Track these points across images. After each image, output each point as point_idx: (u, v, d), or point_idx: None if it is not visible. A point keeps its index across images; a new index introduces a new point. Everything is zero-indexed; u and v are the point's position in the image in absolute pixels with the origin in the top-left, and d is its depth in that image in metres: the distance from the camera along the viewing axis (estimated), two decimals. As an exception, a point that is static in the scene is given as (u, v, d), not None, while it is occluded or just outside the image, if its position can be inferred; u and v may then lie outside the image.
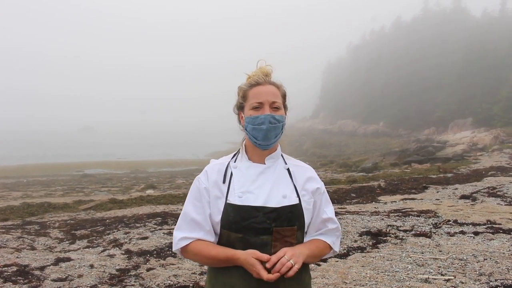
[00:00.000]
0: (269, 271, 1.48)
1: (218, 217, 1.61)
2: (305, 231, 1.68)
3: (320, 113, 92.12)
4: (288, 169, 1.69)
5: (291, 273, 1.47)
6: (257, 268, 1.47)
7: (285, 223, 1.57)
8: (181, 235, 1.64)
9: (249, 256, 1.50)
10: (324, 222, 1.71)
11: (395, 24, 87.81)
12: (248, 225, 1.55)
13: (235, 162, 1.70)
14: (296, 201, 1.61)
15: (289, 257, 1.48)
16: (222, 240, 1.62)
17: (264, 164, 1.68)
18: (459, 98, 50.46)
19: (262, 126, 1.59)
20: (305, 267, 1.66)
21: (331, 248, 1.73)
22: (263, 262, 1.50)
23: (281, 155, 1.74)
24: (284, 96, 1.70)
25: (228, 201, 1.60)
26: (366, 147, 47.94)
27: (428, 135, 48.22)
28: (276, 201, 1.59)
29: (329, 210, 1.73)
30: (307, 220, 1.65)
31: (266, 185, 1.62)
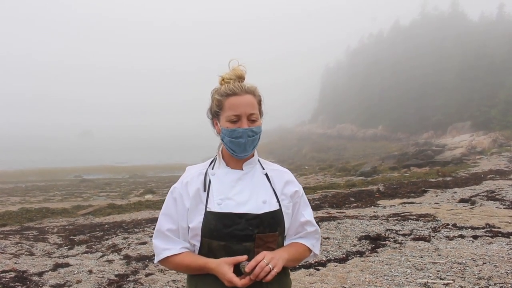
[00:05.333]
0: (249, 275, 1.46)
1: (198, 226, 1.56)
2: (284, 235, 1.67)
3: (319, 117, 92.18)
4: (266, 174, 1.67)
5: (269, 277, 1.45)
6: (229, 276, 1.43)
7: (267, 229, 1.55)
8: (159, 246, 1.62)
9: (220, 264, 1.46)
10: (303, 225, 1.70)
11: (393, 28, 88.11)
12: (231, 233, 1.52)
13: (212, 169, 1.66)
14: (276, 207, 1.60)
15: (268, 261, 1.46)
16: (203, 249, 1.57)
17: (242, 170, 1.65)
18: (457, 101, 50.60)
19: (240, 139, 1.57)
20: (285, 271, 1.66)
21: (310, 251, 1.72)
22: (239, 268, 1.48)
23: (258, 160, 1.71)
24: (259, 103, 1.65)
25: (208, 209, 1.56)
26: (364, 151, 47.98)
27: (427, 139, 48.26)
28: (256, 207, 1.56)
29: (307, 213, 1.71)
30: (287, 225, 1.63)
31: (245, 191, 1.60)
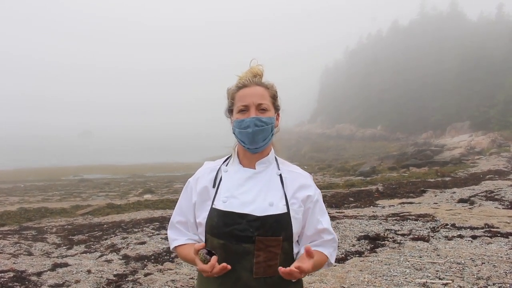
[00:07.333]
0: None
1: (203, 222, 1.56)
2: (295, 240, 1.58)
3: (318, 117, 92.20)
4: (280, 175, 1.60)
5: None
6: (199, 267, 1.44)
7: (269, 232, 1.48)
8: (170, 237, 1.70)
9: (195, 258, 1.46)
10: (319, 233, 1.60)
11: (392, 28, 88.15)
12: (230, 232, 1.49)
13: (226, 166, 1.64)
14: (283, 210, 1.52)
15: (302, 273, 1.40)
16: (207, 246, 1.55)
17: (255, 169, 1.61)
18: (456, 101, 50.64)
19: (248, 129, 1.53)
20: (297, 282, 1.59)
21: (327, 260, 1.62)
22: (243, 264, 1.48)
23: (276, 160, 1.66)
24: (274, 97, 1.62)
25: (213, 206, 1.55)
26: (364, 151, 47.98)
27: (426, 139, 48.29)
28: (261, 208, 1.50)
29: (324, 220, 1.61)
30: (295, 230, 1.54)
31: (252, 190, 1.55)
